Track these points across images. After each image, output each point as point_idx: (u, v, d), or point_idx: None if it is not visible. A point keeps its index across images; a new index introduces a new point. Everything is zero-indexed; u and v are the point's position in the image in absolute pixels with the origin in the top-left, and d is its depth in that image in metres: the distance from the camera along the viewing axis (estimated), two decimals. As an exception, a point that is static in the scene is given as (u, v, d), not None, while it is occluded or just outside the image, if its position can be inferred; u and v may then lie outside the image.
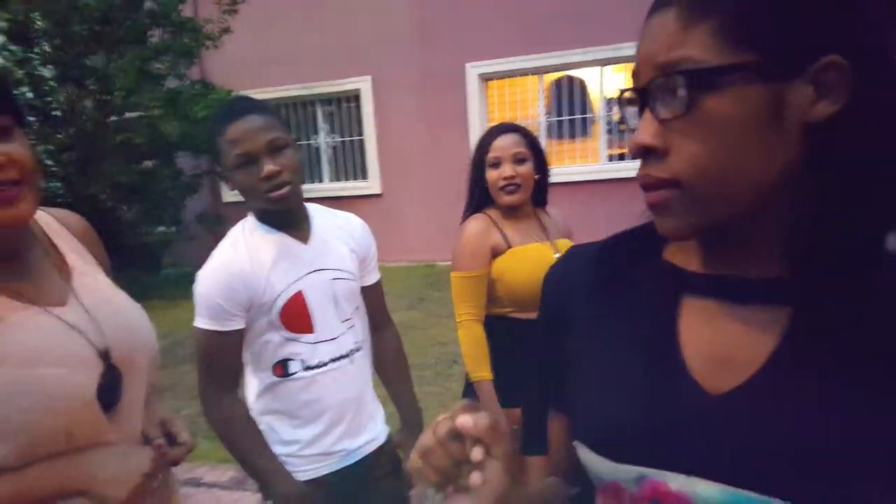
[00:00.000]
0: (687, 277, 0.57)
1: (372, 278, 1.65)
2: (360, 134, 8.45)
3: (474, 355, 1.82)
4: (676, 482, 0.53)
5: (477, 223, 1.87)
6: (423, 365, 4.26)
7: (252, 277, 1.37)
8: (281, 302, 1.40)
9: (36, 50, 6.64)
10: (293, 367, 1.44)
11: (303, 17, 8.26)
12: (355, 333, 1.53)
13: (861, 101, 0.47)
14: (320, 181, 8.74)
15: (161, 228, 7.74)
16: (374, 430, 1.60)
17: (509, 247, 1.83)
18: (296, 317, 1.42)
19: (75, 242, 1.10)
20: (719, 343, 0.55)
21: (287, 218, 1.44)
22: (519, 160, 1.83)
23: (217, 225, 8.39)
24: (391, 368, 1.73)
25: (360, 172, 8.56)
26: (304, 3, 8.24)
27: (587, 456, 0.61)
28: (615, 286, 0.64)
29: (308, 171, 8.83)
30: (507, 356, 1.81)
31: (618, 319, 0.62)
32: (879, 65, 0.47)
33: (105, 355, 0.97)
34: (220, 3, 7.40)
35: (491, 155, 1.85)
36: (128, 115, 6.96)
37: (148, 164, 7.38)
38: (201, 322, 1.38)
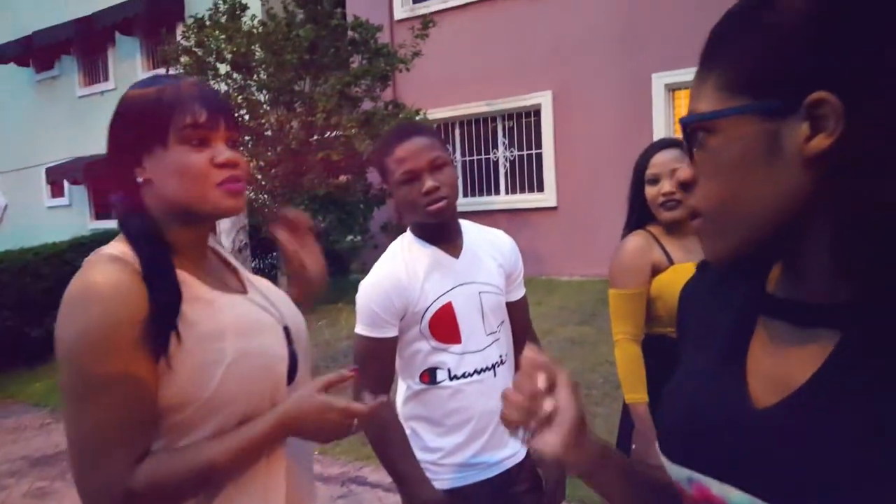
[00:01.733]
0: (763, 299, 0.61)
1: (518, 294, 1.67)
2: (539, 147, 8.45)
3: (630, 376, 1.77)
4: (716, 488, 0.57)
5: (637, 239, 1.84)
6: (590, 384, 4.09)
7: (407, 288, 1.46)
8: (431, 312, 1.47)
9: (254, 77, 7.61)
10: (440, 375, 1.49)
11: (487, 37, 8.51)
12: (500, 346, 1.56)
13: (857, 131, 0.48)
14: (497, 194, 8.88)
15: (350, 237, 8.38)
16: (515, 444, 1.58)
17: (671, 263, 1.78)
18: (444, 327, 1.48)
19: (228, 253, 1.24)
20: (776, 361, 0.57)
21: (441, 232, 1.52)
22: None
23: (398, 234, 8.89)
24: None
25: (537, 185, 8.55)
26: (487, 24, 8.50)
27: (660, 455, 0.65)
28: (718, 302, 0.68)
29: (486, 183, 9.03)
30: (665, 377, 1.65)
31: (710, 333, 0.67)
32: (871, 92, 0.48)
33: (287, 332, 1.08)
34: (413, 29, 7.92)
35: (650, 171, 1.81)
36: (328, 134, 7.66)
37: (343, 178, 8.05)
38: (360, 328, 1.49)
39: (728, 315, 0.65)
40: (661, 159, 1.81)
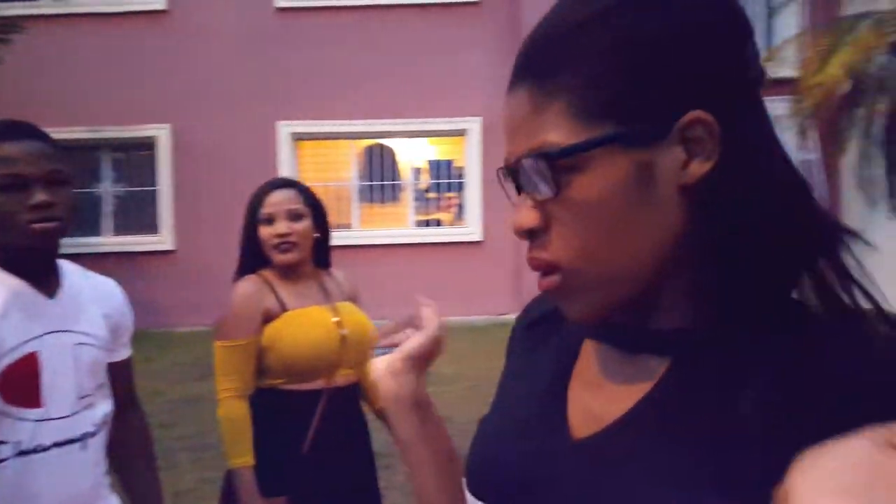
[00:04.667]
0: (592, 324, 0.53)
1: (124, 353, 1.43)
2: (154, 184, 7.80)
3: (235, 438, 1.63)
4: None
5: (247, 285, 1.71)
6: (206, 446, 3.88)
7: None
8: (5, 363, 1.15)
9: None
10: (3, 451, 1.14)
11: (97, 58, 7.57)
12: (93, 414, 1.28)
13: (733, 154, 0.44)
14: (101, 234, 7.84)
15: None
16: None
17: (285, 310, 1.69)
18: (21, 384, 1.17)
19: None
20: (600, 390, 0.52)
21: (36, 263, 1.23)
22: (295, 216, 1.71)
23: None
24: (134, 457, 1.46)
25: (150, 226, 7.86)
26: (99, 42, 7.58)
27: (466, 491, 0.59)
28: (542, 334, 0.63)
29: (88, 222, 7.92)
30: (274, 435, 1.66)
31: (531, 367, 0.62)
32: (746, 112, 0.45)
33: None
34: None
35: (264, 211, 1.71)
36: None
37: None
38: None
39: (555, 339, 0.60)
40: (277, 199, 1.72)
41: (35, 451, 1.17)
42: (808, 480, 0.30)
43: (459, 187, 7.99)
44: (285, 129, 7.66)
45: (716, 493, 0.42)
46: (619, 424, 0.48)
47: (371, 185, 7.92)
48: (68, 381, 1.23)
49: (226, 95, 7.62)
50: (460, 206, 8.02)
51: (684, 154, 0.44)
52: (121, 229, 7.86)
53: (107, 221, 7.87)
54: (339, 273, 1.90)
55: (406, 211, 7.99)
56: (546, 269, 0.49)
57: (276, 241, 1.70)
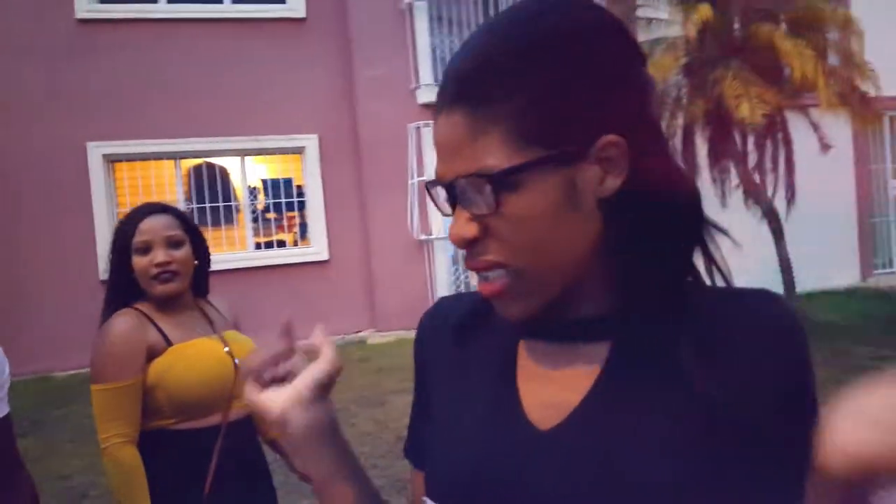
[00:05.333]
0: (524, 322, 0.58)
1: (1, 410, 1.32)
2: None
3: (128, 488, 1.50)
4: None
5: (125, 320, 1.59)
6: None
7: None
8: None
9: None
10: None
11: None
12: None
13: (638, 170, 0.53)
14: None
15: None
16: None
17: (170, 344, 1.60)
18: None
19: None
20: (550, 382, 0.57)
21: None
22: (174, 243, 1.63)
23: None
24: None
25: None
26: None
27: None
28: (470, 335, 0.65)
29: None
30: (169, 480, 1.56)
31: (467, 369, 0.64)
32: (648, 135, 0.55)
33: None
34: None
35: (139, 239, 1.61)
36: None
37: None
38: None
39: (484, 346, 0.64)
40: (152, 225, 1.63)
41: None
42: (848, 420, 0.36)
43: (300, 206, 7.88)
44: (96, 150, 7.00)
45: (694, 452, 0.50)
46: (584, 409, 0.54)
47: (202, 208, 7.51)
48: None
49: (30, 113, 6.80)
50: (303, 226, 7.90)
51: (601, 171, 0.53)
52: None
53: None
54: (218, 300, 1.84)
55: (244, 233, 7.70)
56: (490, 268, 0.55)
57: (156, 270, 1.60)
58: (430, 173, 7.58)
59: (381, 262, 7.59)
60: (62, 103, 6.88)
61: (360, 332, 7.62)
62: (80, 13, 6.98)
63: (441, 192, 0.57)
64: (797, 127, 6.56)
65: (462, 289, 7.72)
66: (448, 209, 0.57)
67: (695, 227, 0.57)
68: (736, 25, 6.28)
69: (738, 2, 6.17)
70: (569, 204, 0.52)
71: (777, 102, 5.86)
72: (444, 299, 0.74)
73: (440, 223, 7.65)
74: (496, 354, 0.62)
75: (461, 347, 0.65)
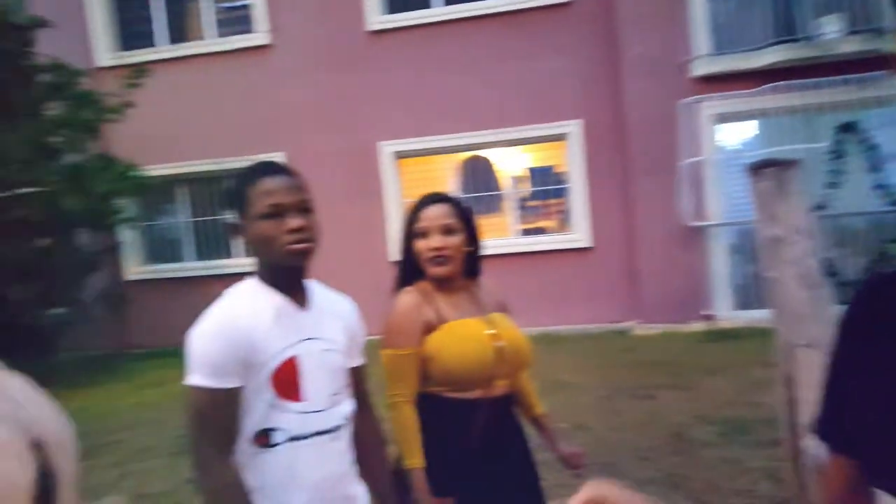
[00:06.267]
0: None
1: (357, 361, 1.61)
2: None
3: (406, 440, 1.72)
4: None
5: (407, 297, 1.80)
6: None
7: (252, 334, 1.35)
8: (274, 364, 1.36)
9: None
10: (277, 437, 1.37)
11: (214, 94, 8.21)
12: (341, 410, 1.48)
13: None
14: (230, 257, 8.47)
15: (57, 310, 7.17)
16: None
17: (443, 322, 1.76)
18: (286, 382, 1.38)
19: None
20: None
21: (291, 280, 1.44)
22: (448, 231, 1.78)
23: (119, 304, 7.88)
24: (370, 454, 1.62)
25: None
26: (215, 80, 8.21)
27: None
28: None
29: (217, 246, 8.56)
30: (439, 439, 1.74)
31: None
32: None
33: (39, 449, 0.85)
34: (123, 77, 7.23)
35: (419, 225, 1.80)
36: (22, 190, 6.54)
37: (43, 241, 6.91)
38: (196, 379, 1.33)
39: None
40: (431, 213, 1.79)
41: (300, 438, 1.39)
42: None
43: (562, 193, 7.95)
44: (387, 149, 7.94)
45: None
46: None
47: (472, 198, 8.03)
48: (321, 381, 1.43)
49: (328, 120, 8.00)
50: (565, 213, 7.96)
51: None
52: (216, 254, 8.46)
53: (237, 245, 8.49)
54: (488, 283, 1.95)
55: (508, 220, 8.04)
56: None
57: (431, 254, 1.77)
58: (706, 152, 7.01)
59: (647, 251, 7.28)
60: (356, 108, 7.94)
61: (622, 322, 7.43)
62: (370, 25, 7.95)
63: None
64: None
65: (742, 283, 7.00)
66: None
67: None
68: None
69: None
70: None
71: None
72: (877, 274, 0.67)
73: (718, 208, 7.03)
74: None
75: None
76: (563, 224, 8.00)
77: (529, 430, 1.96)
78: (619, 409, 4.64)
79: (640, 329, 7.19)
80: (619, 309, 7.48)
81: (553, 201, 8.08)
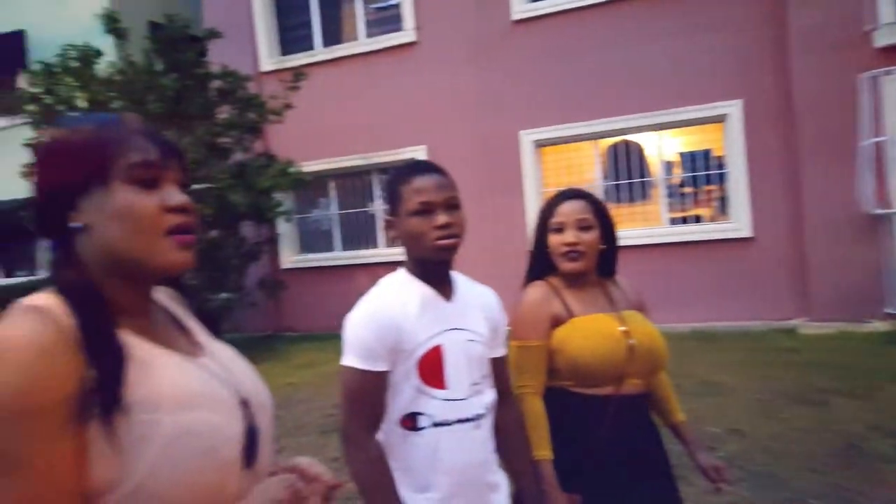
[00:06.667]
0: None
1: (501, 351, 1.64)
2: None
3: (535, 432, 1.70)
4: None
5: (536, 290, 1.80)
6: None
7: (400, 323, 1.43)
8: (420, 352, 1.44)
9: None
10: (422, 421, 1.44)
11: (356, 91, 8.59)
12: (482, 399, 1.52)
13: None
14: (375, 247, 8.85)
15: (223, 295, 7.93)
16: (497, 502, 1.54)
17: (571, 316, 1.75)
18: (431, 370, 1.44)
19: (181, 310, 1.06)
20: None
21: (438, 272, 1.50)
22: (584, 227, 1.77)
23: (276, 290, 8.53)
24: (512, 443, 1.64)
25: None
26: (356, 78, 8.58)
27: None
28: None
29: (365, 237, 8.98)
30: (566, 433, 1.70)
31: None
32: None
33: (246, 407, 0.92)
34: (282, 80, 7.82)
35: (555, 220, 1.80)
36: (197, 186, 7.27)
37: (213, 233, 7.65)
38: (350, 360, 1.43)
39: None
40: (567, 209, 1.79)
41: (444, 424, 1.44)
42: None
43: (720, 179, 7.36)
44: (527, 138, 7.84)
45: None
46: None
47: (618, 185, 7.70)
48: (463, 370, 1.48)
49: (470, 111, 8.05)
50: (722, 200, 7.37)
51: None
52: (362, 244, 8.79)
53: (380, 235, 8.85)
54: (623, 281, 1.90)
55: (658, 208, 7.60)
56: None
57: (565, 249, 1.77)
58: (891, 132, 6.16)
59: (816, 241, 6.54)
60: (498, 98, 7.91)
61: (788, 319, 6.75)
62: (515, 15, 7.86)
63: None
64: None
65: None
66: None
67: None
68: None
69: None
70: None
71: None
72: None
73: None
74: None
75: None
76: (720, 212, 7.41)
77: (670, 440, 1.82)
78: (782, 414, 4.22)
79: (809, 328, 6.48)
80: (783, 305, 6.81)
81: (709, 187, 7.50)
